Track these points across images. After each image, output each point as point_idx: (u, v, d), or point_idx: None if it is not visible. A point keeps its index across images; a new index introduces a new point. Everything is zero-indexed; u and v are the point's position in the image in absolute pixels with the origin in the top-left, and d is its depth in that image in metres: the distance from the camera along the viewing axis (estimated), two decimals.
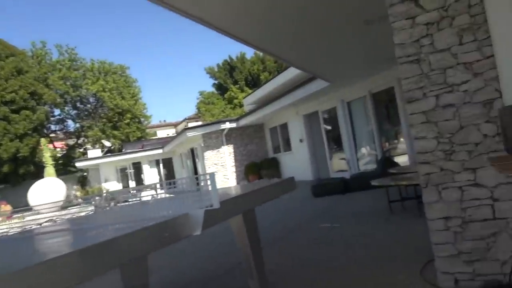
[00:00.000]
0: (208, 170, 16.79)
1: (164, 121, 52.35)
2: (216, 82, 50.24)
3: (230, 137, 16.98)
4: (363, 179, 8.24)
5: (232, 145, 16.96)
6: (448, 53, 2.45)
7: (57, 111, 34.16)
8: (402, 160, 9.49)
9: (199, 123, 24.50)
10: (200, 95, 50.60)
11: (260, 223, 3.43)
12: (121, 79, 34.39)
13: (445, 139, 2.47)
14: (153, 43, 61.91)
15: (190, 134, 16.86)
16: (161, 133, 44.54)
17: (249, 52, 42.46)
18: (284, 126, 15.58)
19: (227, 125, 16.34)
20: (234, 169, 16.91)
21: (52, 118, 34.34)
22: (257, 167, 16.49)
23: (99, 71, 33.74)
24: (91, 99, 33.94)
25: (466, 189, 2.42)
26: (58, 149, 35.13)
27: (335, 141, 12.86)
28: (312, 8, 4.81)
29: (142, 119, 36.69)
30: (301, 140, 14.18)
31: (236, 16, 4.71)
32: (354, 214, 5.99)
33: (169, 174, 26.35)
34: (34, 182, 31.39)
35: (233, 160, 16.93)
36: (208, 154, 16.94)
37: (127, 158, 24.40)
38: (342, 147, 12.01)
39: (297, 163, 14.81)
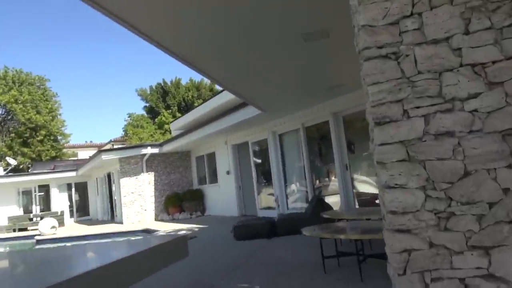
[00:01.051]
0: (124, 199, 14.92)
1: (91, 141, 48.51)
2: (147, 105, 48.05)
3: (152, 163, 15.34)
4: (292, 222, 7.23)
5: (153, 173, 15.30)
6: (446, 46, 1.48)
7: None
8: (334, 201, 8.69)
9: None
10: (128, 117, 47.90)
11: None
12: (38, 91, 31.09)
13: (438, 191, 1.45)
14: (81, 58, 58.25)
15: (105, 157, 14.94)
16: (84, 154, 40.87)
17: (185, 78, 41.35)
18: (212, 156, 14.37)
19: (149, 150, 14.74)
20: (153, 199, 15.19)
21: None
22: (179, 198, 14.95)
23: (13, 80, 30.24)
24: (1, 111, 30.13)
25: (473, 283, 1.39)
26: None
27: (265, 175, 11.91)
28: (246, 16, 3.82)
29: (59, 137, 33.27)
30: (228, 172, 13.02)
31: (163, 21, 3.65)
32: (280, 270, 4.85)
33: (82, 200, 23.55)
34: None
35: (153, 189, 15.23)
36: (125, 181, 15.08)
37: (32, 179, 21.33)
38: (272, 182, 11.05)
39: (223, 196, 13.57)
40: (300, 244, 6.08)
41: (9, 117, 29.52)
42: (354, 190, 8.39)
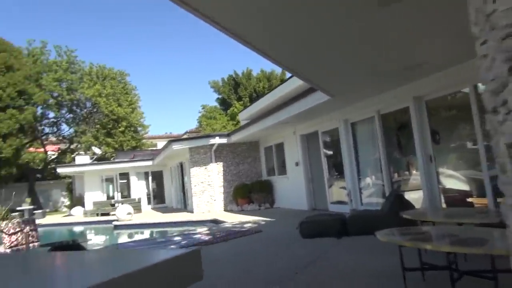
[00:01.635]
0: (194, 189, 15.07)
1: (170, 133, 50.83)
2: (219, 96, 49.04)
3: (221, 153, 15.28)
4: (366, 220, 6.46)
5: (221, 163, 15.25)
6: None
7: (52, 114, 32.86)
8: (415, 197, 7.69)
9: None
10: (202, 108, 49.36)
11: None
12: (119, 85, 33.06)
13: None
14: (157, 52, 61.15)
15: (176, 146, 15.19)
16: (163, 145, 43.02)
17: (256, 69, 41.29)
18: (280, 147, 13.88)
19: (217, 140, 14.67)
20: (222, 189, 15.15)
21: (46, 121, 33.03)
22: (247, 189, 14.72)
23: (97, 75, 32.49)
24: (87, 104, 32.57)
25: None
26: (52, 153, 33.65)
27: (336, 167, 11.12)
28: None
29: (139, 128, 35.18)
30: (297, 164, 12.43)
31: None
32: (352, 278, 4.19)
33: (158, 188, 24.60)
34: (17, 185, 29.88)
35: (222, 180, 15.18)
36: (195, 171, 15.22)
37: (114, 167, 22.72)
38: (344, 175, 10.25)
39: (292, 189, 13.05)
40: (375, 247, 5.33)
41: (95, 110, 31.76)
42: (439, 186, 7.33)
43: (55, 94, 30.40)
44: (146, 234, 13.71)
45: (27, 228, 5.21)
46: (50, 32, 54.81)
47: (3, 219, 20.63)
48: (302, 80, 7.06)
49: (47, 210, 30.22)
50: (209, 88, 50.55)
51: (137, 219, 15.19)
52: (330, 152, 11.39)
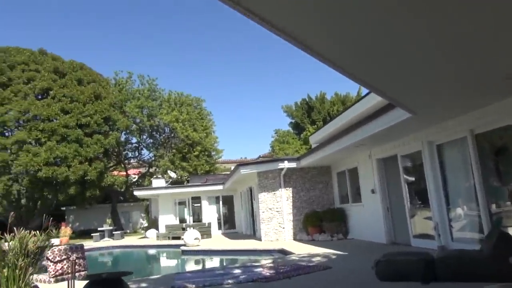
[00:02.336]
0: (262, 215, 14.42)
1: (245, 157, 51.41)
2: (292, 121, 48.62)
3: (290, 178, 14.52)
4: (461, 263, 5.22)
5: (291, 189, 14.45)
6: None
7: (134, 139, 34.94)
8: None
9: None
10: (275, 133, 49.26)
11: None
12: (195, 111, 34.20)
13: None
14: (232, 79, 63.03)
15: (244, 171, 14.77)
16: None
17: (330, 92, 40.36)
18: (354, 172, 12.73)
19: (286, 164, 13.95)
20: (291, 217, 14.29)
21: (129, 146, 35.17)
22: (318, 218, 13.69)
23: (175, 102, 33.99)
24: (166, 129, 34.08)
25: None
26: (133, 176, 35.61)
27: (419, 195, 9.74)
28: None
29: (213, 153, 35.88)
30: (373, 191, 11.20)
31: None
32: None
33: (229, 213, 24.40)
34: (101, 206, 31.83)
35: (291, 207, 14.34)
36: (263, 196, 14.60)
37: (186, 191, 23.06)
38: (429, 204, 8.87)
39: (368, 218, 11.78)
40: None
41: (172, 135, 33.06)
42: None
43: (137, 120, 32.29)
44: (212, 261, 13.28)
45: (74, 256, 4.88)
46: (135, 62, 59.56)
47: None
48: (378, 94, 6.14)
49: (128, 231, 31.69)
50: (282, 112, 50.44)
51: (205, 244, 14.88)
52: (412, 178, 10.04)
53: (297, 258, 8.94)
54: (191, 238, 14.28)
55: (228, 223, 23.63)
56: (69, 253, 4.90)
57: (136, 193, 23.75)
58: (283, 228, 14.12)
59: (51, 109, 24.32)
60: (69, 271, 4.83)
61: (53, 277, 4.69)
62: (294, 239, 14.03)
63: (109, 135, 26.78)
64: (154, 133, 34.22)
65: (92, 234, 23.74)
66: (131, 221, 33.81)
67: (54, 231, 21.84)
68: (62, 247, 4.89)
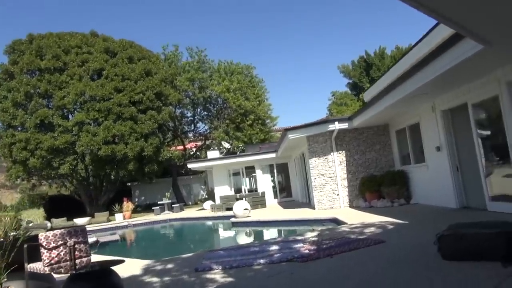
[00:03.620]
0: (314, 182, 13.38)
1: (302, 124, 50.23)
2: (350, 81, 45.94)
3: (342, 141, 13.20)
4: None
5: (344, 152, 13.15)
6: None
7: (189, 113, 35.12)
8: None
9: None
10: (332, 95, 47.02)
11: None
12: (246, 79, 33.30)
13: None
14: (283, 42, 60.68)
15: (292, 135, 13.71)
16: None
17: (390, 46, 37.20)
18: (415, 128, 11.10)
19: (336, 125, 12.62)
20: (346, 182, 13.06)
21: (185, 119, 35.48)
22: (376, 182, 12.33)
23: (225, 71, 33.31)
24: (219, 100, 33.70)
25: None
26: (191, 149, 36.10)
27: (496, 150, 8.05)
28: None
29: (267, 121, 35.02)
30: (438, 148, 9.60)
31: None
32: None
33: (284, 181, 23.63)
34: (163, 180, 32.70)
35: (345, 171, 13.09)
36: (314, 162, 13.49)
37: (239, 161, 22.55)
38: (510, 161, 7.23)
39: (432, 180, 10.25)
40: None
41: (224, 106, 32.59)
42: None
43: (189, 94, 32.19)
44: (260, 232, 12.64)
45: (72, 240, 4.26)
46: (183, 36, 59.57)
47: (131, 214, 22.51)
48: (442, 21, 4.68)
49: (190, 203, 32.36)
50: (339, 73, 47.85)
51: (256, 215, 14.25)
52: (486, 131, 8.32)
53: (347, 229, 7.85)
54: (240, 209, 13.70)
55: (284, 191, 22.90)
56: (66, 238, 4.30)
57: (190, 165, 23.76)
58: (337, 195, 12.97)
59: (105, 89, 24.79)
60: (67, 258, 4.22)
61: (47, 265, 4.11)
62: (350, 206, 12.86)
63: (162, 110, 26.89)
64: (208, 105, 34.01)
65: (153, 208, 24.36)
66: (192, 193, 34.47)
67: (117, 206, 22.77)
68: (58, 231, 4.29)
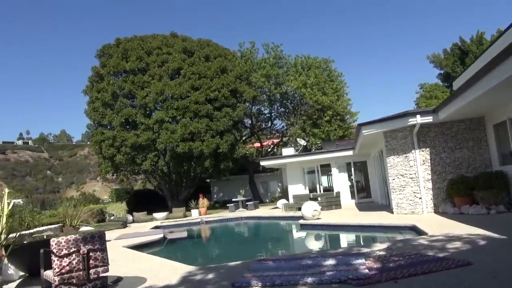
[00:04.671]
0: (392, 183, 11.93)
1: None
2: (441, 71, 41.86)
3: (426, 137, 11.53)
4: None
5: (428, 149, 11.47)
6: None
7: (267, 110, 34.80)
8: None
9: None
10: (420, 88, 43.34)
11: None
12: (323, 73, 31.90)
13: None
14: (364, 33, 57.47)
15: (366, 131, 12.39)
16: None
17: (490, 30, 33.00)
18: None
19: (418, 119, 11.00)
20: (430, 184, 11.38)
21: (262, 116, 35.26)
22: (468, 185, 10.49)
23: (301, 66, 32.28)
24: (296, 96, 32.81)
25: None
26: (268, 146, 35.82)
27: None
28: None
29: (346, 116, 33.26)
30: None
31: None
32: None
33: (362, 181, 21.98)
34: (240, 177, 32.81)
35: (429, 172, 11.41)
36: (393, 161, 12.03)
37: (314, 159, 21.47)
38: None
39: None
40: None
41: (301, 101, 31.59)
42: None
43: (266, 90, 31.79)
44: (328, 238, 11.59)
45: (86, 247, 3.81)
46: (261, 33, 59.40)
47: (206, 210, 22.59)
48: None
49: (267, 200, 32.03)
50: (428, 63, 43.93)
51: (327, 217, 13.16)
52: None
53: (425, 243, 6.52)
54: (309, 210, 12.73)
55: (362, 191, 21.30)
56: (80, 245, 3.86)
57: (262, 163, 23.29)
58: (420, 198, 11.35)
59: (183, 88, 25.44)
60: (80, 268, 3.78)
61: (58, 275, 3.70)
62: (436, 212, 11.17)
63: (237, 107, 26.85)
64: (285, 101, 33.31)
65: (227, 205, 24.40)
66: (269, 191, 34.11)
67: (193, 202, 23.19)
68: (72, 237, 3.87)
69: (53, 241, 3.82)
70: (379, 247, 6.49)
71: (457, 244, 6.10)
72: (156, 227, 17.28)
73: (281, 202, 21.11)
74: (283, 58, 33.11)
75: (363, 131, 12.44)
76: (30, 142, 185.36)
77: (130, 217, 21.54)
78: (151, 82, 26.33)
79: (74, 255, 3.84)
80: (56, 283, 3.75)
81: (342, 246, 9.85)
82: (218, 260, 8.50)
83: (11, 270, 6.04)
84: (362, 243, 9.95)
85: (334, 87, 31.73)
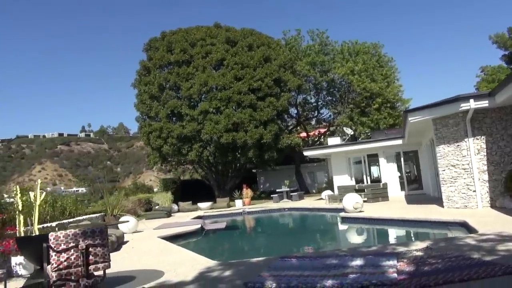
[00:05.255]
0: (443, 174, 10.99)
1: None
2: (506, 52, 38.33)
3: (481, 123, 10.41)
4: None
5: (483, 137, 10.35)
6: None
7: (313, 99, 33.95)
8: None
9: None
10: (481, 71, 40.12)
11: None
12: (372, 59, 30.36)
13: None
14: (418, 14, 53.94)
15: (413, 118, 11.47)
16: None
17: None
18: None
19: (471, 104, 9.90)
20: (486, 176, 10.28)
21: (308, 105, 34.47)
22: None
23: (349, 52, 30.96)
24: (344, 84, 31.62)
25: None
26: (315, 136, 35.01)
27: None
28: None
29: (397, 104, 31.53)
30: None
31: None
32: None
33: (414, 171, 20.68)
34: (287, 167, 32.38)
35: (485, 162, 10.30)
36: (443, 150, 11.04)
37: (360, 148, 20.51)
38: None
39: None
40: None
41: (349, 89, 30.38)
42: None
43: (311, 78, 30.90)
44: (369, 233, 10.89)
45: (86, 242, 3.64)
46: (306, 22, 57.79)
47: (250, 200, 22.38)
48: None
49: (314, 191, 31.36)
50: (491, 44, 40.45)
51: (370, 210, 12.40)
52: None
53: (473, 242, 5.75)
54: (350, 203, 12.05)
55: (413, 183, 20.05)
56: (79, 239, 3.70)
57: (306, 153, 22.66)
58: (473, 191, 10.28)
59: (226, 78, 25.36)
60: (79, 263, 3.62)
61: (55, 270, 3.57)
62: (492, 206, 10.07)
63: (281, 97, 26.34)
64: (332, 89, 32.24)
65: (271, 196, 24.13)
66: (316, 181, 33.40)
67: (237, 192, 23.17)
68: (71, 232, 3.71)
69: (51, 236, 3.69)
70: (418, 246, 5.83)
71: (510, 245, 5.31)
72: (199, 217, 17.39)
73: (326, 193, 20.43)
74: (329, 45, 31.96)
75: (409, 119, 11.51)
76: (91, 135, 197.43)
77: (175, 207, 21.94)
78: (195, 73, 26.50)
79: (72, 250, 3.68)
80: (54, 278, 3.62)
81: (380, 242, 9.18)
82: (249, 254, 8.21)
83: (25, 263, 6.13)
84: (403, 240, 9.20)
85: (384, 73, 30.14)
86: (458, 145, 10.60)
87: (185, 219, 16.16)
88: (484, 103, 9.86)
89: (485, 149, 10.28)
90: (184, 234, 11.37)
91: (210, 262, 6.03)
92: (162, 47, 28.09)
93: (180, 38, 27.96)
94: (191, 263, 6.11)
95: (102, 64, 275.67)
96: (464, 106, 10.01)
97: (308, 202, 20.72)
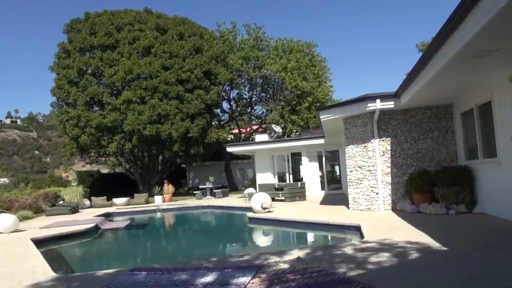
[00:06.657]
0: (350, 175, 10.72)
1: None
2: None
3: (387, 125, 10.27)
4: None
5: (389, 139, 10.23)
6: None
7: (246, 94, 33.33)
8: None
9: None
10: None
11: None
12: (305, 58, 30.39)
13: None
14: (349, 20, 55.87)
15: (323, 117, 11.12)
16: None
17: None
18: (486, 108, 7.88)
19: (378, 104, 9.70)
20: (389, 178, 10.16)
21: (241, 101, 33.80)
22: (429, 180, 9.29)
23: (283, 49, 30.74)
24: (278, 81, 31.34)
25: None
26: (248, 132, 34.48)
27: None
28: None
29: (327, 104, 31.87)
30: None
31: None
32: None
33: (334, 172, 20.80)
34: (218, 163, 31.54)
35: (389, 164, 10.18)
36: (351, 151, 10.80)
37: (283, 146, 20.22)
38: None
39: (508, 183, 7.10)
40: None
41: (281, 86, 30.16)
42: None
43: (244, 73, 30.27)
44: (273, 235, 10.40)
45: None
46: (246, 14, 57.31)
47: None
48: None
49: (243, 188, 30.80)
50: (417, 52, 42.61)
51: (277, 211, 11.90)
52: None
53: (350, 252, 5.27)
54: (257, 203, 11.48)
55: (334, 183, 20.12)
56: None
57: (229, 149, 21.97)
58: (377, 193, 10.13)
59: (152, 67, 23.89)
60: None
61: None
62: (393, 209, 9.98)
63: (211, 90, 25.38)
64: (266, 86, 31.86)
65: (194, 192, 23.17)
66: (246, 178, 32.91)
67: (157, 188, 21.89)
68: None
69: None
70: (291, 256, 5.24)
71: (384, 256, 4.87)
72: (107, 214, 16.03)
73: (247, 191, 19.91)
74: (264, 41, 31.53)
75: (321, 117, 11.17)
76: (18, 121, 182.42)
77: (87, 202, 20.23)
78: (119, 59, 24.69)
79: None
80: None
81: (279, 246, 8.66)
82: (126, 262, 7.27)
83: None
84: (301, 244, 8.77)
85: (316, 72, 30.30)
86: (365, 146, 10.40)
87: (88, 216, 14.71)
88: (390, 104, 9.70)
89: (390, 151, 10.16)
90: (72, 235, 10.08)
91: (46, 275, 4.99)
92: (84, 29, 25.88)
93: (106, 21, 25.92)
94: (24, 276, 5.03)
95: (34, 40, 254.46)
96: (371, 106, 9.78)
97: (230, 200, 20.06)
